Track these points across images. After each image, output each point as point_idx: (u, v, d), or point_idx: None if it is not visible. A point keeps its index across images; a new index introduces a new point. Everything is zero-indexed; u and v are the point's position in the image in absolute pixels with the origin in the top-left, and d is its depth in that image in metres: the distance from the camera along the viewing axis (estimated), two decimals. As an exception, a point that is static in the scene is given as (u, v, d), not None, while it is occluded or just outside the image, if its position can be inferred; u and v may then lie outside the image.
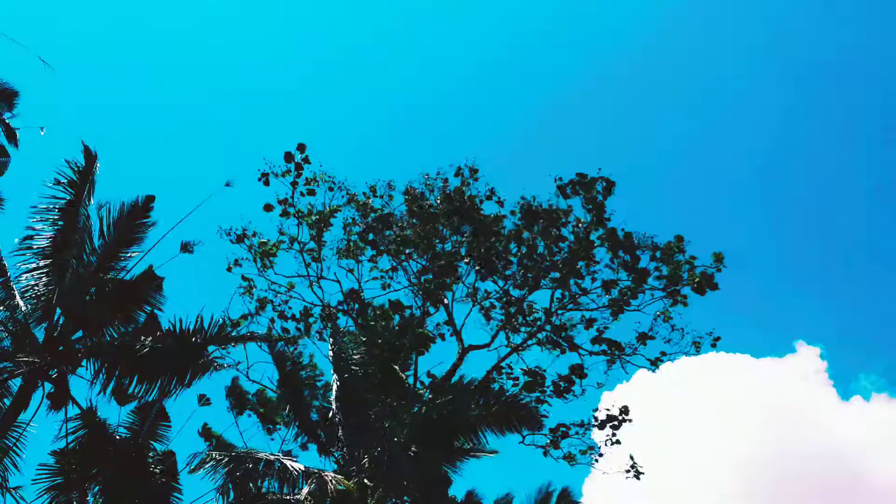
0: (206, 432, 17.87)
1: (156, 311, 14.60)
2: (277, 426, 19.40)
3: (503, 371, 19.57)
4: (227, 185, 15.05)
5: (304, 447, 18.73)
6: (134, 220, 15.35)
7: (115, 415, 14.07)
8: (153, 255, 15.56)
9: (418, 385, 18.86)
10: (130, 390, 13.67)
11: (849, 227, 58.25)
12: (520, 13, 50.30)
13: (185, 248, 14.87)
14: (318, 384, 19.42)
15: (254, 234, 18.94)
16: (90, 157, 14.98)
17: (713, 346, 18.51)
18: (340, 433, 17.38)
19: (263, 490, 17.17)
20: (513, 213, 19.11)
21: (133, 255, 15.26)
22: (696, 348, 18.43)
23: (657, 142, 54.84)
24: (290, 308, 19.28)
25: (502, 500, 17.60)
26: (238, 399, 18.26)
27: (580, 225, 18.64)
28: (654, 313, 18.61)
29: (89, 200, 15.20)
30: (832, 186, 57.12)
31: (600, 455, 19.04)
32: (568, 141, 48.89)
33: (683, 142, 55.54)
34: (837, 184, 57.39)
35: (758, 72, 53.40)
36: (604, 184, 18.26)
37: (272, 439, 19.35)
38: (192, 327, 14.61)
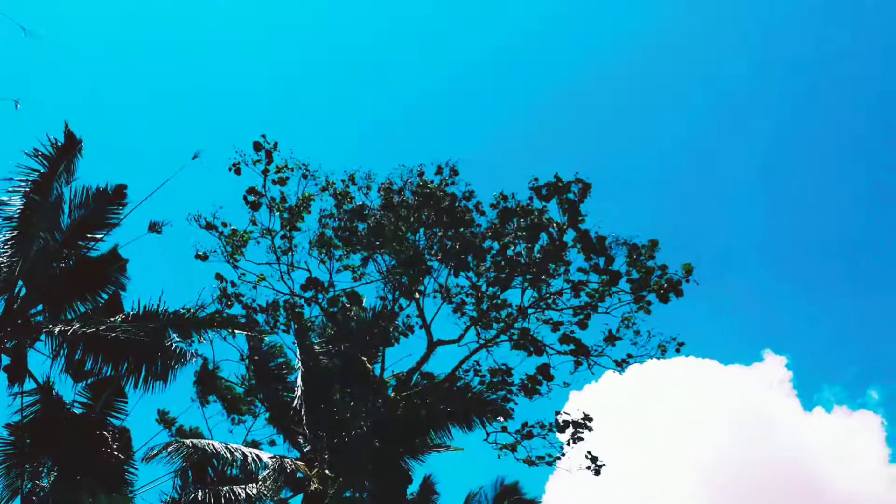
0: (163, 419, 17.79)
1: (119, 291, 14.61)
2: (244, 417, 19.33)
3: (472, 367, 19.58)
4: (195, 156, 15.03)
5: (272, 443, 18.82)
6: (105, 203, 15.33)
7: (72, 390, 14.07)
8: (123, 237, 15.57)
9: (386, 376, 18.87)
10: (90, 368, 13.74)
11: (825, 238, 58.83)
12: (509, 14, 50.55)
13: (154, 227, 14.87)
14: (290, 378, 19.40)
15: (224, 225, 18.80)
16: (72, 139, 14.88)
17: (677, 350, 18.59)
18: (305, 423, 17.42)
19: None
20: (492, 206, 19.03)
21: (101, 238, 15.23)
22: (662, 352, 18.51)
23: (639, 145, 55.23)
24: (254, 302, 19.11)
25: (474, 495, 17.76)
26: (207, 385, 18.11)
27: (554, 226, 18.67)
28: (621, 316, 18.63)
29: (67, 180, 15.18)
30: (812, 197, 57.64)
31: (562, 455, 19.04)
32: (551, 143, 49.14)
33: (664, 146, 55.92)
34: (818, 195, 57.87)
35: (748, 74, 53.84)
36: (579, 186, 18.30)
37: (232, 430, 19.30)
38: (156, 309, 14.70)
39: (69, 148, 14.78)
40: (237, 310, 19.11)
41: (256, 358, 18.33)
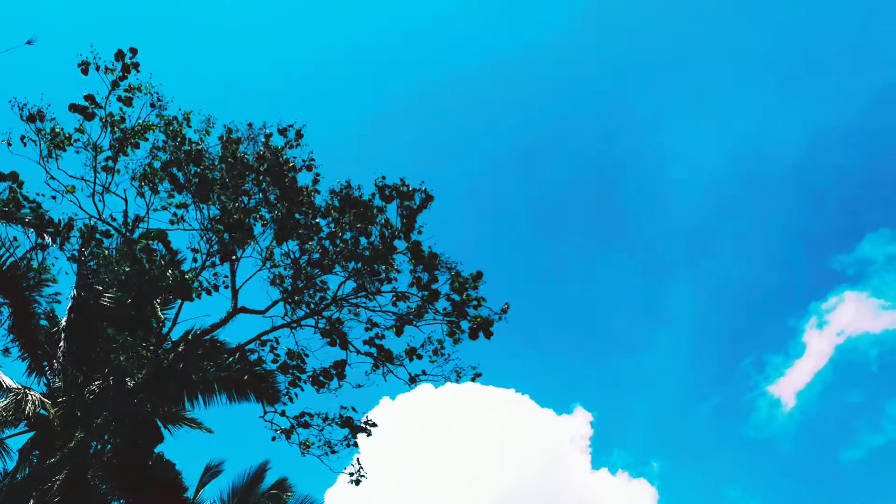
0: None
1: None
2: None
3: (269, 342, 18.99)
4: (29, 42, 13.47)
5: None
6: None
7: None
8: None
9: (177, 330, 17.92)
10: None
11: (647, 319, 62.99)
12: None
13: None
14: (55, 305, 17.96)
15: (52, 119, 17.11)
16: None
17: (474, 379, 18.71)
18: (62, 358, 16.19)
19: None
20: (332, 192, 18.51)
21: None
22: (457, 377, 18.60)
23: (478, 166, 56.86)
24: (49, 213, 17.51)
25: (214, 467, 17.12)
26: None
27: (390, 228, 18.38)
28: (428, 332, 18.59)
29: None
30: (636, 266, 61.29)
31: (333, 452, 18.84)
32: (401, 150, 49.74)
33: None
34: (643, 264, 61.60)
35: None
36: (423, 196, 18.08)
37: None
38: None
39: None
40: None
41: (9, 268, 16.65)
